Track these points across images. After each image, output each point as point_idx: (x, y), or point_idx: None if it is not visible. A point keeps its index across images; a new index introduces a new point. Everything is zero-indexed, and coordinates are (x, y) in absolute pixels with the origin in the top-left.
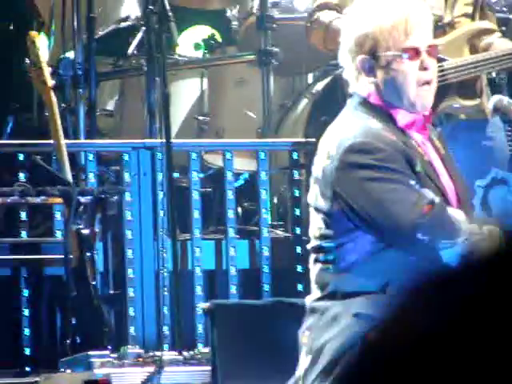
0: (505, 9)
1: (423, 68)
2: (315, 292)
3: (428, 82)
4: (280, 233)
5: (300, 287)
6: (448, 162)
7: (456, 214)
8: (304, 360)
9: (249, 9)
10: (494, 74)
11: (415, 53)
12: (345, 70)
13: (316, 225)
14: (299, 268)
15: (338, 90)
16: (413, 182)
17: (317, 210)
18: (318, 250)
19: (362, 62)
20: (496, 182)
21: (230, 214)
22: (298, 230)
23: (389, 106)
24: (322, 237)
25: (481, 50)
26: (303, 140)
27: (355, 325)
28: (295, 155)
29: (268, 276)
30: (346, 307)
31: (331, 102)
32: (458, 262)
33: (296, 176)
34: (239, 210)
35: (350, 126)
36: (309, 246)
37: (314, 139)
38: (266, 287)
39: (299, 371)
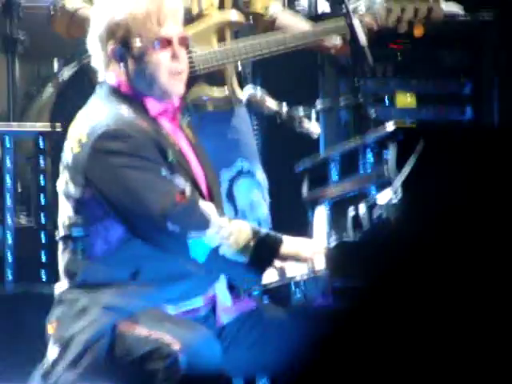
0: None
1: (175, 58)
2: (63, 282)
3: (179, 72)
4: (24, 221)
5: (44, 276)
6: (198, 151)
7: (206, 206)
8: (52, 351)
9: None
10: (239, 67)
11: (167, 42)
12: (93, 58)
13: (66, 213)
14: (43, 257)
15: (84, 78)
16: (164, 172)
17: (67, 197)
18: (67, 238)
19: (113, 51)
20: (242, 173)
21: None
22: (42, 219)
23: (140, 94)
24: (72, 225)
25: (266, 25)
26: (49, 128)
27: (104, 317)
28: (41, 143)
29: (11, 264)
30: (96, 299)
31: (77, 89)
32: (207, 255)
33: (41, 164)
34: None
35: (101, 114)
36: (58, 235)
37: (59, 127)
38: (10, 276)
39: (47, 362)
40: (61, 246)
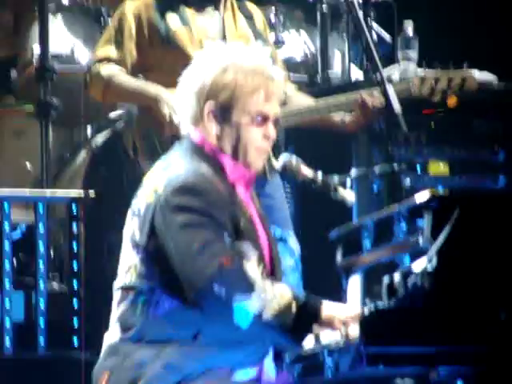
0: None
1: (266, 136)
2: (115, 332)
3: (267, 151)
4: (56, 286)
5: (75, 341)
6: (264, 221)
7: (252, 268)
8: None
9: (28, 58)
10: None
11: (265, 119)
12: (180, 111)
13: (130, 261)
14: (75, 323)
15: (117, 143)
16: (227, 237)
17: (133, 245)
18: (128, 289)
19: (211, 110)
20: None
21: (6, 265)
22: (74, 285)
23: (222, 157)
24: (136, 275)
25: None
26: (82, 193)
27: (164, 375)
28: (74, 208)
29: (44, 330)
30: (156, 355)
31: (110, 155)
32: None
33: (74, 229)
34: (15, 261)
35: (181, 168)
36: (117, 284)
37: (93, 192)
38: (42, 341)
39: None
40: (118, 295)
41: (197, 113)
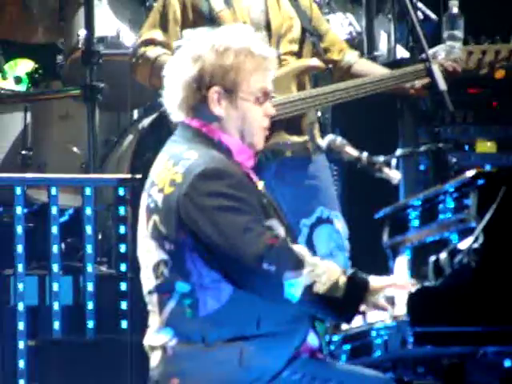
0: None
1: (267, 114)
2: (167, 336)
3: (266, 128)
4: (104, 269)
5: (124, 324)
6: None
7: (298, 247)
8: None
9: (74, 43)
10: (319, 113)
11: (266, 97)
12: (173, 99)
13: (155, 259)
14: (123, 305)
15: (164, 127)
16: (259, 213)
17: (157, 241)
18: (164, 291)
19: (218, 93)
20: (321, 221)
21: (55, 249)
22: (122, 267)
23: (228, 140)
24: (168, 271)
25: (342, 71)
26: (129, 176)
27: (243, 375)
28: (121, 191)
29: (92, 313)
30: (230, 354)
31: (157, 138)
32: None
33: (121, 212)
34: (63, 245)
35: (193, 154)
36: (148, 286)
37: (140, 175)
38: (90, 324)
39: None
40: (155, 299)
41: (194, 100)
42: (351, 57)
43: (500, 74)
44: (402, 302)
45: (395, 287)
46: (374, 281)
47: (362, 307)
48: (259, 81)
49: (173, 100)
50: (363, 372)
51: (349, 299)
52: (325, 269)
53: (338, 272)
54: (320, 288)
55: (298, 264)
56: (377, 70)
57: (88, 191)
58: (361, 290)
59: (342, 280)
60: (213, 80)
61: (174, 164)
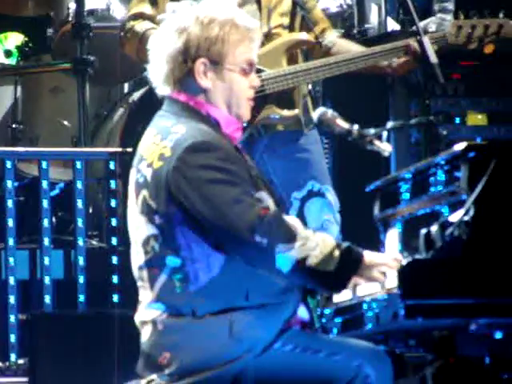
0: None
1: (253, 85)
2: (158, 311)
3: (252, 98)
4: (95, 243)
5: (115, 298)
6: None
7: (291, 219)
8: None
9: (64, 16)
10: (309, 86)
11: (251, 68)
12: (159, 72)
13: (145, 233)
14: (115, 279)
15: (154, 100)
16: (248, 185)
17: (147, 216)
18: (154, 266)
19: (205, 65)
20: (312, 194)
21: (46, 223)
22: (113, 241)
23: (215, 112)
24: (158, 246)
25: (322, 51)
26: (120, 150)
27: (234, 346)
28: (112, 165)
29: (83, 286)
30: (220, 326)
31: (148, 111)
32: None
33: (112, 186)
34: (54, 219)
35: (181, 128)
36: (137, 261)
37: (130, 149)
38: (82, 298)
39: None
40: (145, 274)
41: (180, 73)
42: (331, 38)
43: (489, 48)
44: (393, 274)
45: (388, 267)
46: (368, 256)
47: (355, 280)
48: (244, 52)
49: (159, 73)
50: (354, 343)
51: (341, 273)
52: (318, 241)
53: (332, 245)
54: (312, 261)
55: (290, 236)
56: (355, 49)
57: (79, 165)
58: (354, 264)
59: (336, 253)
60: (198, 52)
61: (163, 138)
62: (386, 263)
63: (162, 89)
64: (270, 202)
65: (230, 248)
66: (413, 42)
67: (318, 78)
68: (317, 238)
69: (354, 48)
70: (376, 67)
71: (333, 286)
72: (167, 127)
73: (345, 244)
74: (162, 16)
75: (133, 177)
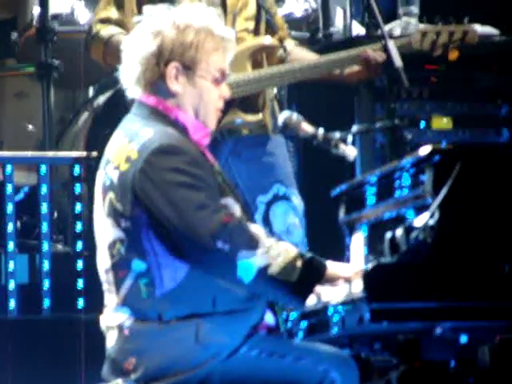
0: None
1: (222, 95)
2: (124, 316)
3: (220, 109)
4: (60, 247)
5: (81, 303)
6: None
7: (254, 227)
8: None
9: (28, 20)
10: (275, 90)
11: (223, 77)
12: (129, 74)
13: (111, 237)
14: (80, 283)
15: (120, 104)
16: (214, 191)
17: (113, 219)
18: (120, 269)
19: (177, 69)
20: (278, 197)
21: (10, 227)
22: (79, 245)
23: (184, 117)
24: (124, 250)
25: (277, 61)
26: (84, 154)
27: (200, 351)
28: (76, 169)
29: (48, 291)
30: (186, 332)
31: (112, 116)
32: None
33: (77, 190)
34: (18, 223)
35: (149, 132)
36: (103, 264)
37: (95, 153)
38: (46, 303)
39: None
40: (111, 277)
41: (152, 76)
42: (288, 47)
43: (454, 54)
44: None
45: (350, 281)
46: (331, 267)
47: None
48: (218, 61)
49: (130, 75)
50: (321, 348)
51: (302, 284)
52: (281, 250)
53: (295, 255)
54: (274, 270)
55: (252, 244)
56: (311, 58)
57: (43, 169)
58: (316, 275)
59: (299, 264)
60: (172, 56)
61: (130, 141)
62: (349, 277)
63: (133, 91)
64: (235, 209)
65: (192, 254)
66: (368, 51)
67: (282, 84)
68: (280, 247)
69: (309, 57)
70: (330, 75)
71: (293, 296)
72: (135, 130)
73: (308, 255)
74: (138, 18)
75: (100, 179)
